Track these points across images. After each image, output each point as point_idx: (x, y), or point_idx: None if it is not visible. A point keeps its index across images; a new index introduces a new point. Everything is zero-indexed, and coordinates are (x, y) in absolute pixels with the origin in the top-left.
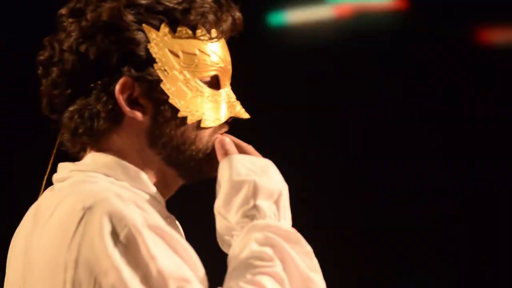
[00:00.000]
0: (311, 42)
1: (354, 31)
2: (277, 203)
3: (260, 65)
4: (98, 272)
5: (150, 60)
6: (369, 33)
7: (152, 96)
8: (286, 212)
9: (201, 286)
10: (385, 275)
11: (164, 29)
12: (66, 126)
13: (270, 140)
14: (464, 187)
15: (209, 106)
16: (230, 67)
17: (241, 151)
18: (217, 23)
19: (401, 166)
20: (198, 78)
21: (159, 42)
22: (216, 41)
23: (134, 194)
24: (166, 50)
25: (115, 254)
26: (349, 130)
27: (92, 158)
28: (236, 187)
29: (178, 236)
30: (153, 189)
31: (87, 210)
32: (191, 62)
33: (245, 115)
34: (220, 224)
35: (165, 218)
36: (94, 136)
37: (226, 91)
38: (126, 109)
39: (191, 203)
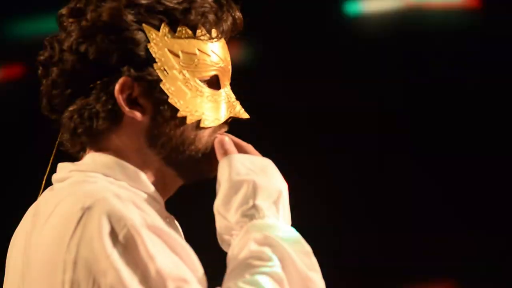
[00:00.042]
0: (386, 31)
1: (426, 22)
2: (276, 202)
3: (337, 54)
4: (97, 272)
5: (149, 60)
6: (438, 27)
7: (152, 96)
8: (285, 211)
9: (200, 286)
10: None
11: (164, 29)
12: (65, 126)
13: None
14: None
15: (209, 106)
16: (230, 67)
17: (241, 150)
18: (217, 23)
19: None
20: (198, 78)
21: (159, 42)
22: (216, 41)
23: (133, 194)
24: (166, 50)
25: (114, 254)
26: (420, 122)
27: (92, 158)
28: (236, 186)
29: (177, 236)
30: (152, 189)
31: (86, 210)
32: (191, 62)
33: (245, 115)
34: (219, 223)
35: (164, 218)
36: (93, 136)
37: (226, 91)
38: (126, 109)
39: (190, 203)
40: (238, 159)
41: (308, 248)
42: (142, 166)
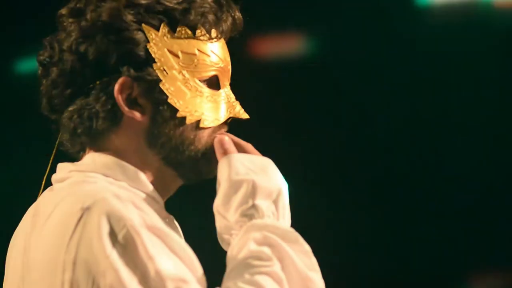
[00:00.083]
0: (455, 22)
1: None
2: (276, 202)
3: (404, 44)
4: (96, 273)
5: (149, 60)
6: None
7: (151, 96)
8: (285, 211)
9: (199, 286)
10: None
11: (164, 29)
12: (65, 126)
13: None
14: None
15: (208, 106)
16: (229, 67)
17: (241, 150)
18: (217, 23)
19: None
20: (198, 78)
21: (159, 42)
22: (215, 41)
23: (132, 194)
24: (165, 50)
25: (113, 255)
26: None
27: (91, 158)
28: (235, 186)
29: (176, 236)
30: (152, 189)
31: (86, 210)
32: (191, 62)
33: (245, 116)
34: (219, 223)
35: (163, 218)
36: (93, 136)
37: (226, 91)
38: (125, 109)
39: (190, 203)
40: (238, 158)
41: (307, 247)
42: (142, 166)
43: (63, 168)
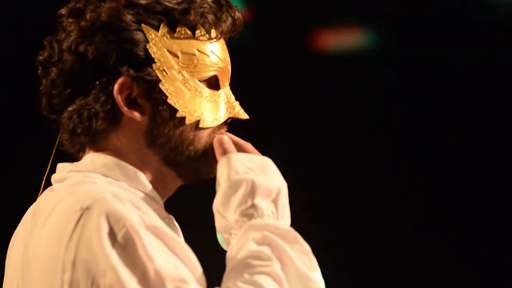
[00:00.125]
0: None
1: None
2: (275, 201)
3: (474, 41)
4: (96, 273)
5: (149, 60)
6: None
7: (151, 96)
8: (284, 210)
9: (199, 286)
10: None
11: (163, 29)
12: (65, 126)
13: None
14: None
15: (208, 106)
16: (229, 67)
17: (240, 149)
18: (216, 24)
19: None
20: (197, 78)
21: (158, 42)
22: (215, 42)
23: (132, 194)
24: (165, 50)
25: (113, 255)
26: None
27: (91, 158)
28: (234, 186)
29: (176, 236)
30: (151, 189)
31: (85, 210)
32: (190, 62)
33: (244, 116)
34: (219, 223)
35: (163, 218)
36: (92, 136)
37: (225, 92)
38: (125, 109)
39: (190, 202)
40: (237, 158)
41: (307, 247)
42: (141, 166)
43: (62, 168)
